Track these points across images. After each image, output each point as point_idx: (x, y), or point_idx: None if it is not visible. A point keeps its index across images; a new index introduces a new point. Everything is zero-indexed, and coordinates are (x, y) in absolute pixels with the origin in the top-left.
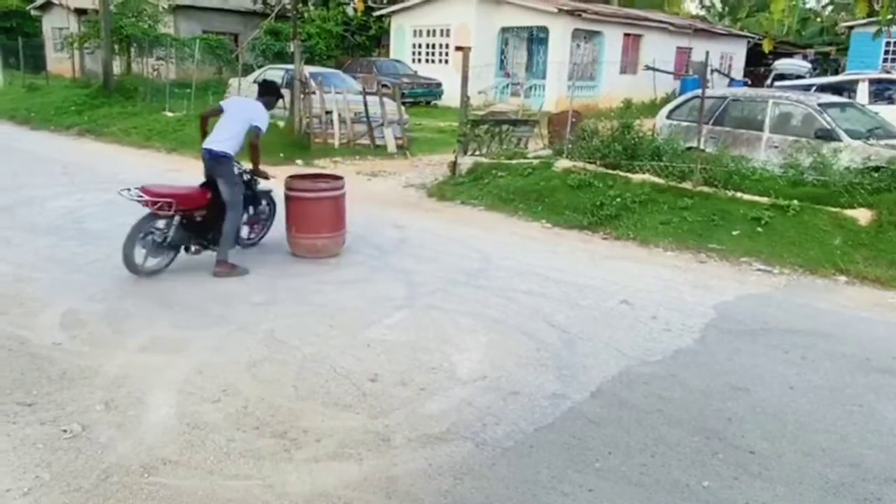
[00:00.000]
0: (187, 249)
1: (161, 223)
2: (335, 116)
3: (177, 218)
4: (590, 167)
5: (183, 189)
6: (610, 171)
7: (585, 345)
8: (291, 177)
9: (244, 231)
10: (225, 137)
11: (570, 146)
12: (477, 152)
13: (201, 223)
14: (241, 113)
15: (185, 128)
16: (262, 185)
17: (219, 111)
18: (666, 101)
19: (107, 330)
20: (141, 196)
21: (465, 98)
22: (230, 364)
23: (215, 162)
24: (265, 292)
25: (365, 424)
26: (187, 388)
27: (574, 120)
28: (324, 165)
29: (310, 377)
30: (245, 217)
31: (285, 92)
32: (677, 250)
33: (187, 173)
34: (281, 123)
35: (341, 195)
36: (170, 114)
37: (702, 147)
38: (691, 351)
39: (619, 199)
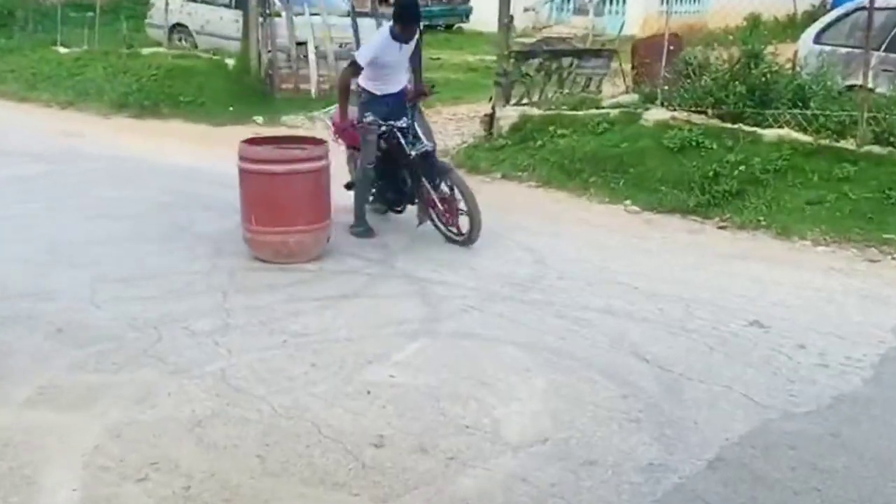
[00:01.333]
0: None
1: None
2: (311, 50)
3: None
4: (697, 119)
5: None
6: (728, 126)
7: (697, 389)
8: (248, 141)
9: (434, 217)
10: None
11: (666, 88)
12: (525, 100)
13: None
14: None
15: (85, 70)
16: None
17: None
18: (812, 17)
19: None
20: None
21: (505, 18)
22: (163, 424)
23: None
24: (213, 315)
25: None
26: (99, 461)
27: (672, 48)
28: (296, 124)
29: (282, 441)
30: (426, 192)
31: (235, 14)
32: (834, 244)
33: (91, 139)
34: (229, 61)
35: (323, 168)
36: (63, 49)
37: (870, 85)
38: (861, 397)
39: (742, 168)
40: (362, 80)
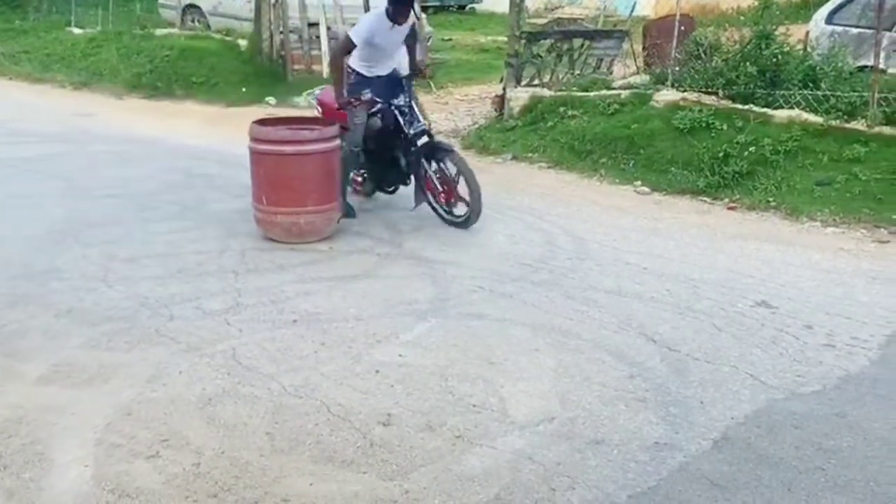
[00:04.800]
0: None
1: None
2: (322, 31)
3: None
4: (708, 100)
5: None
6: (739, 107)
7: (703, 369)
8: (259, 122)
9: (431, 198)
10: None
11: (677, 69)
12: (536, 81)
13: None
14: None
15: (99, 51)
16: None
17: None
18: None
19: None
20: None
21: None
22: (174, 402)
23: None
24: (224, 295)
25: (374, 489)
26: (110, 438)
27: (683, 28)
28: (307, 105)
29: (291, 420)
30: (423, 173)
31: None
32: (843, 224)
33: (103, 119)
34: (242, 42)
35: (334, 149)
36: (77, 31)
37: (881, 66)
38: (867, 377)
39: (752, 149)
40: (352, 61)
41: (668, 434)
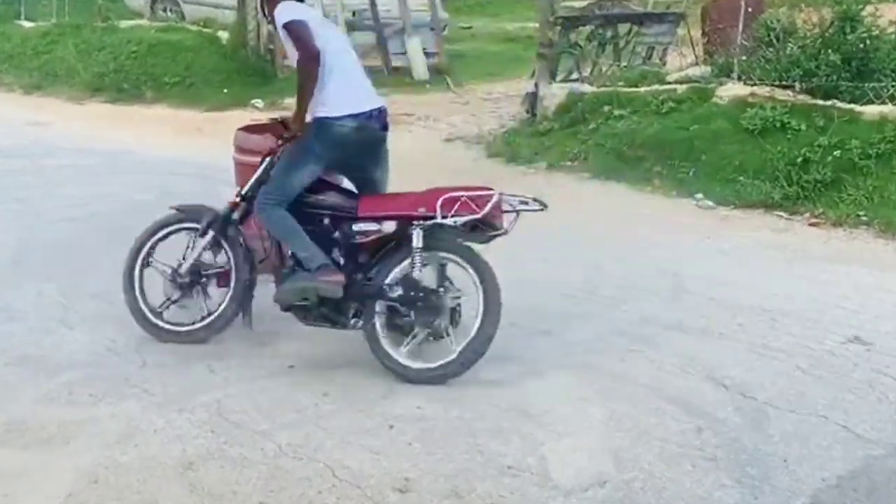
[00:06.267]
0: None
1: None
2: None
3: None
4: (782, 95)
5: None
6: (820, 102)
7: (786, 420)
8: (245, 129)
9: None
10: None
11: (743, 58)
12: (574, 75)
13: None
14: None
15: (54, 47)
16: None
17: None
18: None
19: None
20: None
21: None
22: (149, 466)
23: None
24: None
25: None
26: None
27: (750, 10)
28: None
29: (290, 486)
30: None
31: None
32: None
33: (61, 129)
34: (223, 34)
35: None
36: (28, 24)
37: None
38: None
39: (837, 153)
40: None
41: (746, 499)
